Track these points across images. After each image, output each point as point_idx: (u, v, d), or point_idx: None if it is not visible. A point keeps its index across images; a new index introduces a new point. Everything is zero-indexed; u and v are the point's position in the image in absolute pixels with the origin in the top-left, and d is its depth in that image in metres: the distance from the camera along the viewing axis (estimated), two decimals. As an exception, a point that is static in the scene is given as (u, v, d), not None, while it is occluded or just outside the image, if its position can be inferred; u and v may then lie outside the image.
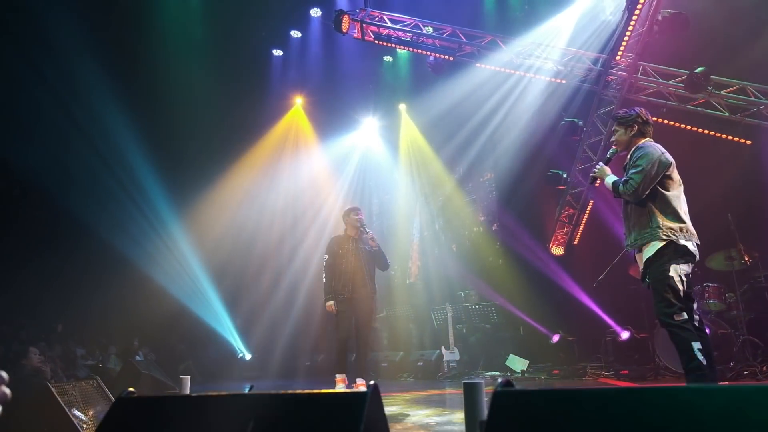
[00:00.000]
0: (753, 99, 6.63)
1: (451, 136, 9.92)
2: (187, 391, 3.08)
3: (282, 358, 10.32)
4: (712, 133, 6.84)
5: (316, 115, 11.63)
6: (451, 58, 8.28)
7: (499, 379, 1.17)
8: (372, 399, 1.32)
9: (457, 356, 8.03)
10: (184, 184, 10.15)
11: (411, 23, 8.33)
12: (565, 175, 8.09)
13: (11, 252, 8.72)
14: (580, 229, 8.35)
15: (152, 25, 9.26)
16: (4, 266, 8.31)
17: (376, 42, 8.60)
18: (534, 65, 7.90)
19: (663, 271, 3.12)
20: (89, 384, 3.94)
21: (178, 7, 9.40)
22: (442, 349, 8.07)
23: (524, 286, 8.32)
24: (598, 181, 3.56)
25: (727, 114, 6.77)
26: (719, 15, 6.39)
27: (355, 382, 4.91)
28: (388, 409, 4.49)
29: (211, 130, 10.31)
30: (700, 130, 6.91)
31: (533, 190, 8.87)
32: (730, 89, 6.75)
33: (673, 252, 3.13)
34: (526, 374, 7.29)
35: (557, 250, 8.43)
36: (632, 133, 3.44)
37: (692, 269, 3.24)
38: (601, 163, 3.60)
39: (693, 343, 2.95)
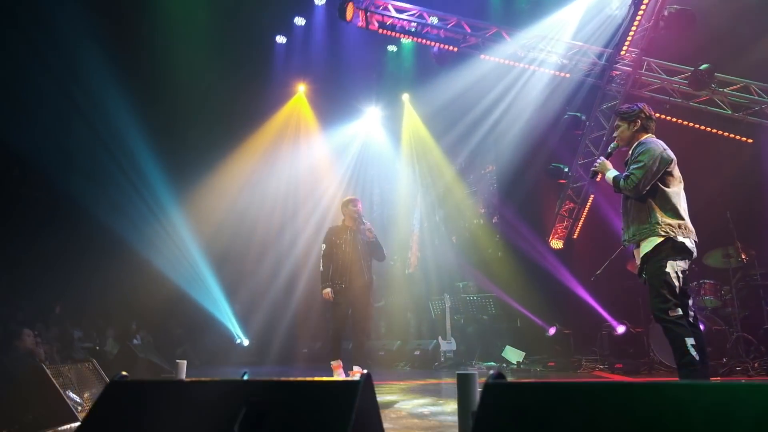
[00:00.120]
0: (756, 98, 6.60)
1: (454, 128, 9.88)
2: (183, 376, 3.10)
3: (281, 345, 10.37)
4: (714, 130, 6.82)
5: (318, 103, 11.57)
6: (455, 49, 8.22)
7: (491, 371, 1.18)
8: (364, 388, 1.33)
9: (453, 346, 8.07)
10: (185, 170, 10.13)
11: (416, 12, 8.26)
12: (566, 169, 8.07)
13: (11, 233, 8.73)
14: (580, 223, 8.36)
15: (155, 8, 9.18)
16: (3, 247, 8.33)
17: (381, 31, 8.53)
18: (538, 58, 7.84)
19: (659, 267, 3.12)
20: (85, 366, 3.97)
21: (181, -9, 9.32)
22: (439, 339, 8.11)
23: (522, 279, 8.34)
24: (599, 176, 3.56)
25: (729, 112, 6.74)
26: (725, 13, 6.34)
27: (352, 370, 4.96)
28: (384, 398, 4.53)
29: (212, 116, 10.28)
30: (702, 127, 6.89)
31: (534, 184, 8.86)
32: (734, 87, 6.71)
33: (671, 248, 3.13)
34: (521, 366, 7.34)
35: (556, 244, 8.44)
36: (635, 128, 3.42)
37: (689, 266, 3.25)
38: (602, 158, 3.58)
39: (686, 339, 2.97)
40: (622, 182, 3.29)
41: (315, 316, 10.47)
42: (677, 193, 3.26)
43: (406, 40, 10.03)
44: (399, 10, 8.31)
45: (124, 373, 1.56)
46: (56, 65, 8.49)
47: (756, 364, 5.20)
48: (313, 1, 10.30)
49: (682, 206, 3.24)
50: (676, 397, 0.97)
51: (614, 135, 3.58)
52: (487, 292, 8.74)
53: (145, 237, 10.03)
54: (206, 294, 10.65)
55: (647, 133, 3.42)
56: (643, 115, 3.43)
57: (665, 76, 7.11)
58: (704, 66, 6.46)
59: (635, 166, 3.24)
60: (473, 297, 8.75)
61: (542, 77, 8.23)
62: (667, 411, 0.97)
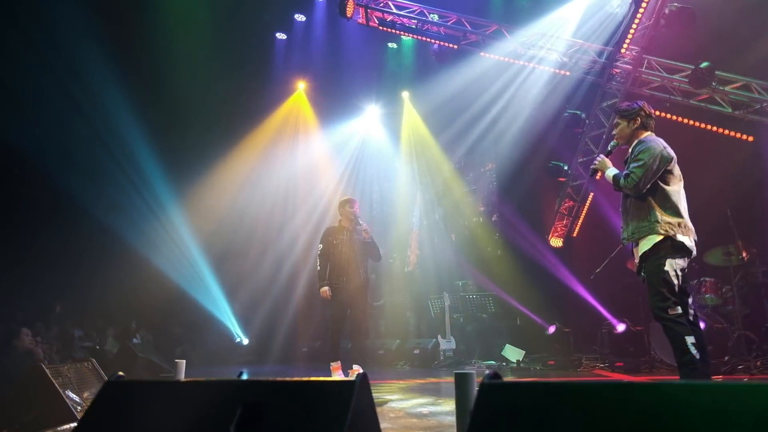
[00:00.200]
0: (757, 96, 6.58)
1: (453, 126, 9.86)
2: (182, 375, 3.09)
3: (281, 344, 10.38)
4: (714, 128, 6.80)
5: (318, 100, 11.55)
6: (455, 47, 8.20)
7: (487, 371, 1.17)
8: (360, 387, 1.32)
9: (453, 345, 8.07)
10: (184, 168, 10.12)
11: (416, 10, 8.24)
12: (566, 167, 8.06)
13: (10, 232, 8.73)
14: (580, 221, 8.35)
15: (155, 7, 9.16)
16: (3, 246, 8.32)
17: (381, 28, 8.52)
18: (538, 56, 7.83)
19: (658, 265, 3.11)
20: (84, 366, 3.96)
21: (181, -12, 9.29)
22: (439, 337, 8.11)
23: (522, 277, 8.33)
24: (599, 174, 3.54)
25: (730, 110, 6.72)
26: (726, 11, 6.33)
27: (351, 368, 4.99)
28: (383, 397, 4.52)
29: (212, 114, 10.26)
30: (703, 125, 6.87)
31: (534, 182, 8.85)
32: (735, 85, 6.69)
33: (670, 247, 3.12)
34: (521, 364, 7.33)
35: (556, 242, 8.43)
36: (635, 126, 3.41)
37: (689, 264, 3.24)
38: (602, 156, 3.57)
39: (686, 337, 2.96)
40: (622, 180, 3.28)
41: (315, 315, 10.47)
42: (677, 191, 3.25)
43: (406, 38, 10.00)
44: (399, 7, 8.29)
45: (120, 373, 1.56)
46: (56, 64, 8.48)
47: (758, 363, 5.18)
48: (313, -2, 10.28)
49: (682, 205, 3.23)
50: (676, 396, 0.96)
51: (614, 133, 3.56)
52: (487, 291, 8.74)
53: (144, 236, 10.03)
54: (206, 293, 10.65)
55: (647, 131, 3.41)
56: (643, 113, 3.41)
57: (665, 74, 7.09)
58: (705, 64, 6.44)
59: (635, 164, 3.22)
60: (473, 295, 8.75)
61: (542, 75, 8.22)
62: (667, 411, 0.96)
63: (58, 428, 3.25)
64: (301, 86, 11.59)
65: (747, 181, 6.40)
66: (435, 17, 8.21)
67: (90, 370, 3.98)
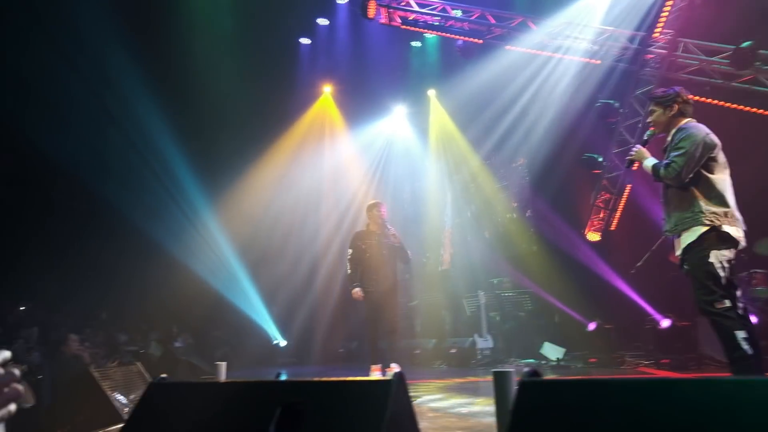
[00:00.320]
0: (805, 73, 6.24)
1: (482, 122, 9.73)
2: (223, 377, 3.17)
3: (318, 346, 10.50)
4: (760, 111, 6.47)
5: (345, 102, 11.62)
6: (480, 42, 8.11)
7: (525, 369, 1.14)
8: (398, 386, 1.31)
9: (490, 344, 7.97)
10: (216, 174, 10.34)
11: (438, 7, 8.19)
12: (600, 159, 7.84)
13: (50, 240, 9.07)
14: (617, 214, 8.11)
15: (182, 16, 9.40)
16: (46, 254, 8.66)
17: (404, 27, 8.51)
18: (566, 46, 7.65)
19: (702, 257, 2.98)
20: (130, 369, 4.10)
21: (207, -2, 9.53)
22: (476, 336, 8.02)
23: (559, 273, 8.14)
24: (636, 164, 3.43)
25: (776, 90, 6.39)
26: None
27: (389, 367, 5.08)
28: (421, 397, 4.51)
29: (241, 120, 10.44)
30: (747, 108, 6.55)
31: (567, 175, 8.64)
32: (780, 64, 6.36)
33: (715, 238, 2.99)
34: (561, 362, 7.17)
35: (593, 236, 8.22)
36: (671, 113, 3.27)
37: (738, 255, 3.09)
38: (638, 146, 3.45)
39: (737, 332, 2.82)
40: (662, 170, 3.15)
41: (350, 317, 10.53)
42: (723, 179, 3.10)
43: (429, 35, 9.95)
44: (421, 5, 8.26)
45: (164, 375, 1.60)
46: (87, 72, 8.72)
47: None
48: (335, 1, 10.33)
49: (729, 193, 3.08)
50: (729, 393, 0.91)
51: (649, 121, 3.44)
52: (523, 288, 8.59)
53: (181, 242, 10.30)
54: (244, 297, 10.87)
55: (686, 117, 3.27)
56: (680, 99, 3.28)
57: (704, 57, 6.81)
58: (747, 43, 6.15)
59: (676, 153, 3.09)
60: (508, 293, 8.61)
61: (571, 65, 8.02)
62: (720, 408, 0.91)
63: (107, 429, 3.37)
64: (327, 89, 11.68)
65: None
66: (458, 13, 8.14)
67: (136, 372, 4.12)
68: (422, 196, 12.00)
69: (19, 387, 0.79)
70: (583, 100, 8.07)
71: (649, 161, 3.30)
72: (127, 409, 3.53)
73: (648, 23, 7.06)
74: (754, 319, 3.34)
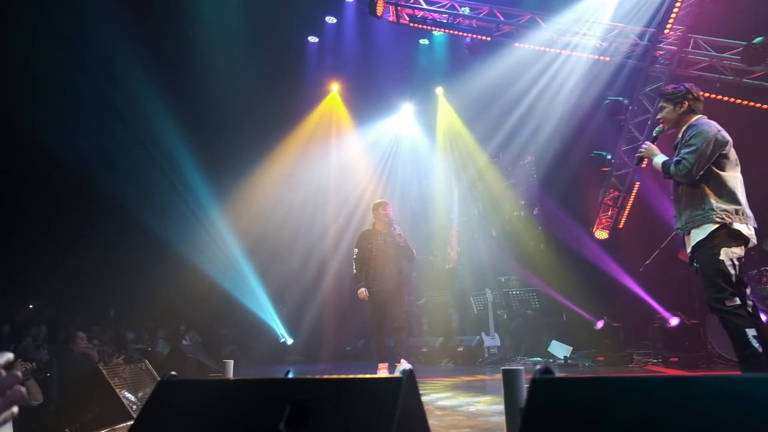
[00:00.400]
0: (818, 69, 6.16)
1: (490, 119, 9.70)
2: (230, 375, 3.18)
3: (326, 344, 10.52)
4: (771, 107, 6.39)
5: (352, 101, 11.62)
6: (488, 39, 8.07)
7: (538, 366, 1.13)
8: (408, 384, 1.31)
9: (497, 342, 7.94)
10: (224, 172, 10.38)
11: (446, 4, 8.16)
12: (609, 156, 7.78)
13: (59, 239, 9.13)
14: (626, 212, 8.05)
15: (190, 14, 9.42)
16: (54, 252, 8.73)
17: (412, 25, 8.48)
18: (575, 43, 7.59)
19: (712, 255, 2.95)
20: (139, 366, 4.13)
21: (215, -5, 9.53)
22: (483, 334, 8.00)
23: (567, 271, 8.10)
24: (645, 162, 3.40)
25: (788, 87, 6.31)
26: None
27: (398, 362, 5.12)
28: (429, 395, 4.50)
29: (249, 119, 10.48)
30: (759, 105, 6.47)
31: (575, 173, 8.59)
32: (793, 60, 6.27)
33: (726, 235, 2.96)
34: (569, 361, 7.14)
35: (601, 234, 8.16)
36: (681, 110, 3.24)
37: (748, 253, 3.05)
38: (648, 143, 3.42)
39: (747, 330, 2.79)
40: (672, 167, 3.12)
41: (357, 315, 10.54)
42: (734, 176, 3.07)
43: (437, 33, 9.92)
44: (429, 3, 8.23)
45: (173, 372, 1.60)
46: (95, 70, 8.78)
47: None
48: (343, -1, 10.33)
49: (740, 191, 3.05)
50: (740, 391, 0.90)
51: (658, 117, 3.40)
52: (531, 286, 8.55)
53: (189, 240, 10.35)
54: (251, 295, 10.90)
55: (696, 114, 3.24)
56: (690, 95, 3.24)
57: (714, 53, 6.73)
58: (758, 39, 6.07)
59: (687, 150, 3.06)
60: (516, 291, 8.58)
61: (580, 62, 7.96)
62: (731, 406, 0.89)
63: (116, 426, 3.39)
64: (335, 88, 11.68)
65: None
66: (466, 10, 8.10)
67: (144, 370, 4.14)
68: (429, 194, 11.98)
69: (22, 389, 0.80)
70: (591, 97, 8.01)
71: (659, 158, 3.26)
72: (135, 407, 3.56)
73: (658, 19, 6.99)
74: (764, 317, 3.29)
